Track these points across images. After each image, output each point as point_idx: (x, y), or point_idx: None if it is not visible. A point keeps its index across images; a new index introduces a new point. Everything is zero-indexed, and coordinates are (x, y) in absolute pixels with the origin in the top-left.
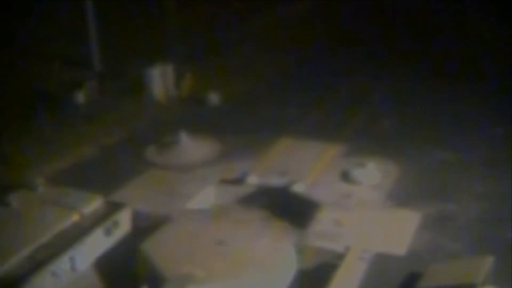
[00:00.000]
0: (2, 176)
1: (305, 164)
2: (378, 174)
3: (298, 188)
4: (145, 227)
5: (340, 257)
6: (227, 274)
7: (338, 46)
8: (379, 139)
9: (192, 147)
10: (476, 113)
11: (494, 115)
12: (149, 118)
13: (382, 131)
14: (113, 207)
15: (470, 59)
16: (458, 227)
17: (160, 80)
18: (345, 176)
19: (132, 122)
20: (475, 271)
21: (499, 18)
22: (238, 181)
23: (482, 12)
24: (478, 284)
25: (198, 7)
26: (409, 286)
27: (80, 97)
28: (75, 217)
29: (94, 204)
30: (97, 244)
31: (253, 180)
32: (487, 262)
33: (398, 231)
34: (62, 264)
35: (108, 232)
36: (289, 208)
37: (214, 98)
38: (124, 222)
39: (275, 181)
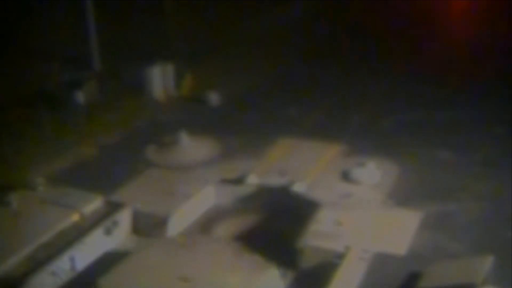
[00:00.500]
0: (2, 176)
1: (305, 164)
2: (378, 174)
3: (298, 188)
4: None
5: (340, 256)
6: None
7: (338, 46)
8: (379, 139)
9: (192, 147)
10: (476, 113)
11: (494, 115)
12: (149, 118)
13: (382, 131)
14: (113, 207)
15: (470, 59)
16: (458, 227)
17: (160, 79)
18: (345, 176)
19: (132, 122)
20: (475, 271)
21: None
22: (238, 181)
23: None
24: (478, 284)
25: (198, 7)
26: (409, 286)
27: (80, 97)
28: (75, 217)
29: (94, 204)
30: (97, 244)
31: (253, 180)
32: (487, 262)
33: (398, 231)
34: (62, 264)
35: (108, 232)
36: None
37: (214, 98)
38: (124, 222)
39: (275, 181)
